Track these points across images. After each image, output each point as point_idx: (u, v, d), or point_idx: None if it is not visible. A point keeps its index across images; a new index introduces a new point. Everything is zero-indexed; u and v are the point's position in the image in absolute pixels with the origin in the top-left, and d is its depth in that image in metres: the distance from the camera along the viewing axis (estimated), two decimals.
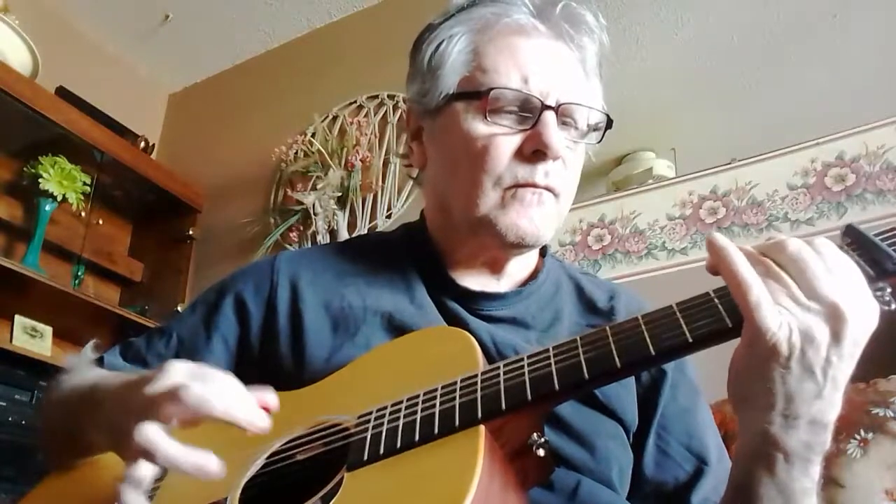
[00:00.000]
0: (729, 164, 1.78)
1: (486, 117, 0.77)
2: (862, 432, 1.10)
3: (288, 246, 2.35)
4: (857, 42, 1.74)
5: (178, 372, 0.59)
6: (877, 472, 1.06)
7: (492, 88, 0.77)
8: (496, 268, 0.85)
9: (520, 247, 0.79)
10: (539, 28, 0.81)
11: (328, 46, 2.78)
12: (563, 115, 0.78)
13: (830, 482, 1.08)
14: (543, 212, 0.78)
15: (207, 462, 0.56)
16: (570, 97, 0.78)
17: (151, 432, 0.56)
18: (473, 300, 0.82)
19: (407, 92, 0.89)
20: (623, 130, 1.92)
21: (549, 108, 0.76)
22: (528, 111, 0.77)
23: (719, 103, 1.90)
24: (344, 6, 2.75)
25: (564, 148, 0.77)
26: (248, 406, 0.59)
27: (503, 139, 0.76)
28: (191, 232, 2.71)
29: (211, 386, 0.58)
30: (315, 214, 2.30)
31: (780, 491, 0.55)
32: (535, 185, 0.76)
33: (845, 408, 1.11)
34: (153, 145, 2.85)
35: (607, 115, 0.82)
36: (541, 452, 0.57)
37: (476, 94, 0.78)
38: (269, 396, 0.62)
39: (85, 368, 0.82)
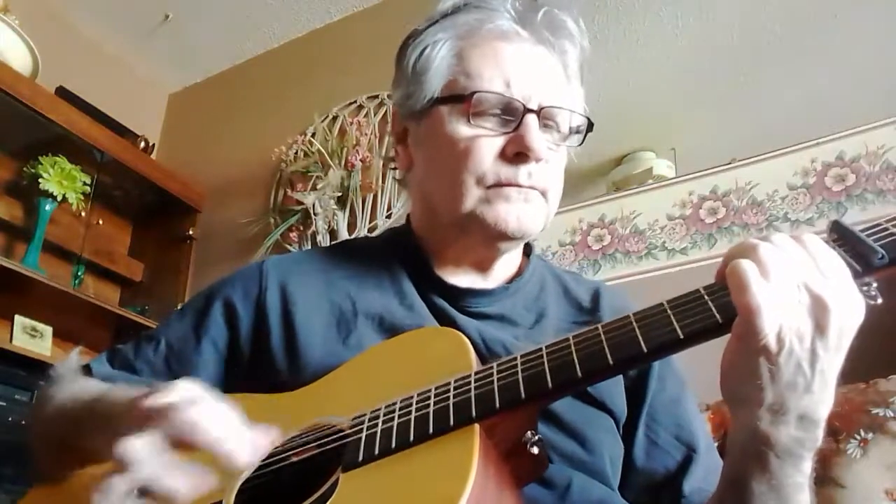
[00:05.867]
0: (729, 164, 1.78)
1: (469, 120, 0.78)
2: (862, 432, 1.10)
3: (288, 246, 2.36)
4: (857, 42, 1.74)
5: (179, 392, 0.57)
6: (877, 472, 1.06)
7: (475, 92, 0.78)
8: (483, 267, 0.86)
9: (507, 240, 0.81)
10: (521, 33, 0.82)
11: (328, 46, 2.78)
12: (545, 118, 0.80)
13: (830, 482, 1.08)
14: (530, 208, 0.79)
15: (178, 490, 0.53)
16: (551, 101, 0.80)
17: (130, 448, 0.53)
18: (461, 297, 0.82)
19: (392, 95, 0.90)
20: (623, 130, 1.95)
21: (531, 111, 0.78)
22: (511, 114, 0.79)
23: (719, 103, 1.90)
24: (344, 6, 2.75)
25: (546, 150, 0.78)
26: (235, 440, 0.55)
27: (486, 140, 0.78)
28: (191, 232, 2.71)
29: (204, 412, 0.55)
30: (315, 214, 2.30)
31: (771, 487, 0.56)
32: (518, 186, 0.78)
33: (845, 408, 1.12)
34: (153, 145, 2.85)
35: (588, 119, 0.84)
36: (535, 450, 0.57)
37: (459, 98, 0.80)
38: (265, 435, 0.58)
39: (74, 379, 0.81)
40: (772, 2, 1.88)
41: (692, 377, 0.84)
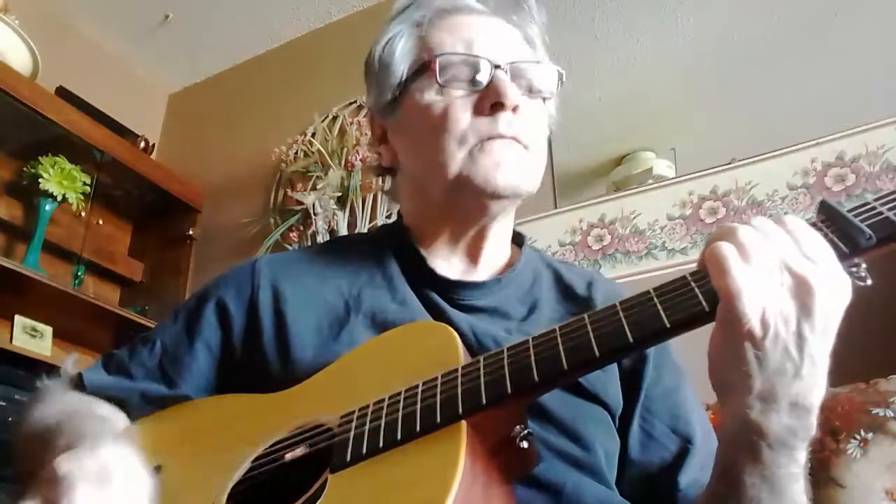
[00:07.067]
0: (729, 164, 1.78)
1: (440, 87, 0.79)
2: (862, 432, 1.10)
3: (288, 246, 2.35)
4: (857, 42, 1.74)
5: (88, 466, 0.54)
6: (877, 472, 1.06)
7: (440, 55, 0.79)
8: (475, 247, 0.85)
9: (498, 197, 0.79)
10: (475, 7, 0.84)
11: (328, 46, 2.77)
12: (515, 75, 0.80)
13: (830, 482, 1.07)
14: (515, 158, 0.78)
15: None
16: (516, 57, 0.81)
17: None
18: (452, 290, 0.82)
19: (367, 104, 0.92)
20: (623, 130, 1.95)
21: (498, 67, 0.78)
22: (479, 73, 0.79)
23: (719, 103, 1.90)
24: (344, 6, 2.75)
25: (521, 97, 0.79)
26: None
27: (460, 101, 0.79)
28: (191, 232, 2.70)
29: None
30: (315, 214, 2.30)
31: (764, 478, 0.54)
32: (501, 136, 0.77)
33: (845, 408, 1.12)
34: (153, 145, 2.84)
35: (559, 71, 0.84)
36: (524, 445, 0.56)
37: (425, 67, 0.80)
38: None
39: (55, 396, 0.81)
40: (772, 2, 1.88)
41: (692, 374, 0.84)
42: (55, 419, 0.71)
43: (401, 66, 0.83)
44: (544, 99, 0.85)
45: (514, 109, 0.78)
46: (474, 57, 0.79)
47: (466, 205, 0.81)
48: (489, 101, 0.77)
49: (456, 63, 0.79)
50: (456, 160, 0.77)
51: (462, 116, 0.78)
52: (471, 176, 0.77)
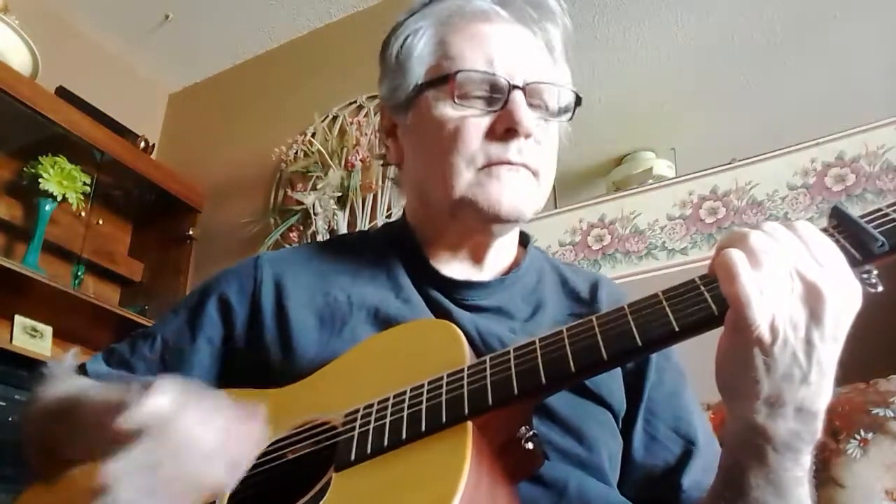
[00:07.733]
0: (729, 164, 1.78)
1: (455, 101, 0.78)
2: (862, 432, 1.10)
3: (288, 246, 2.35)
4: (857, 42, 1.74)
5: (156, 405, 0.54)
6: (877, 472, 1.06)
7: (458, 71, 0.78)
8: (478, 255, 0.85)
9: (501, 222, 0.79)
10: (501, 14, 0.82)
11: (328, 46, 2.78)
12: (532, 95, 0.79)
13: (830, 482, 1.07)
14: (522, 186, 0.78)
15: None
16: (536, 77, 0.79)
17: (107, 473, 0.51)
18: (457, 290, 0.82)
19: (379, 93, 0.90)
20: (623, 130, 1.96)
21: (516, 87, 0.77)
22: (497, 92, 0.78)
23: (719, 103, 1.90)
24: (344, 6, 2.75)
25: (535, 125, 0.77)
26: (217, 463, 0.54)
27: (473, 121, 0.77)
28: (191, 232, 2.71)
29: (183, 432, 0.53)
30: (315, 214, 2.30)
31: (769, 481, 0.54)
32: (509, 163, 0.77)
33: (845, 408, 1.12)
34: (153, 145, 2.84)
35: (576, 94, 0.83)
36: (529, 446, 0.56)
37: (444, 79, 0.79)
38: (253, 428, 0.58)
39: (66, 378, 0.81)
40: (772, 2, 1.88)
41: (694, 374, 0.84)
42: (77, 395, 0.71)
43: (418, 67, 0.82)
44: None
45: (527, 136, 0.77)
46: (493, 76, 0.77)
47: (469, 223, 0.81)
48: (503, 126, 0.76)
49: (475, 80, 0.78)
50: (463, 180, 0.77)
51: (474, 137, 0.77)
52: (476, 199, 0.77)
